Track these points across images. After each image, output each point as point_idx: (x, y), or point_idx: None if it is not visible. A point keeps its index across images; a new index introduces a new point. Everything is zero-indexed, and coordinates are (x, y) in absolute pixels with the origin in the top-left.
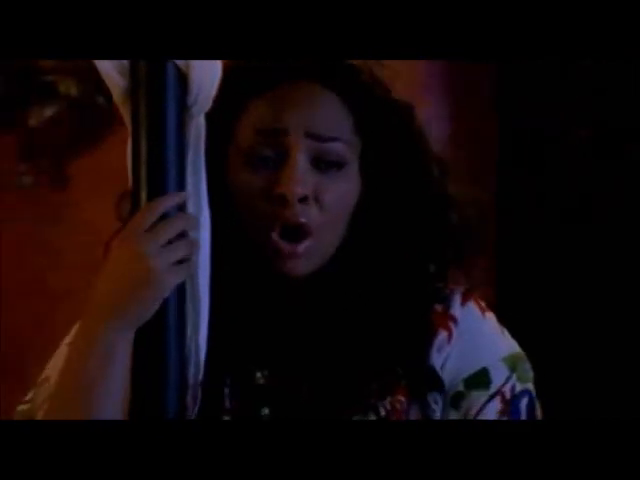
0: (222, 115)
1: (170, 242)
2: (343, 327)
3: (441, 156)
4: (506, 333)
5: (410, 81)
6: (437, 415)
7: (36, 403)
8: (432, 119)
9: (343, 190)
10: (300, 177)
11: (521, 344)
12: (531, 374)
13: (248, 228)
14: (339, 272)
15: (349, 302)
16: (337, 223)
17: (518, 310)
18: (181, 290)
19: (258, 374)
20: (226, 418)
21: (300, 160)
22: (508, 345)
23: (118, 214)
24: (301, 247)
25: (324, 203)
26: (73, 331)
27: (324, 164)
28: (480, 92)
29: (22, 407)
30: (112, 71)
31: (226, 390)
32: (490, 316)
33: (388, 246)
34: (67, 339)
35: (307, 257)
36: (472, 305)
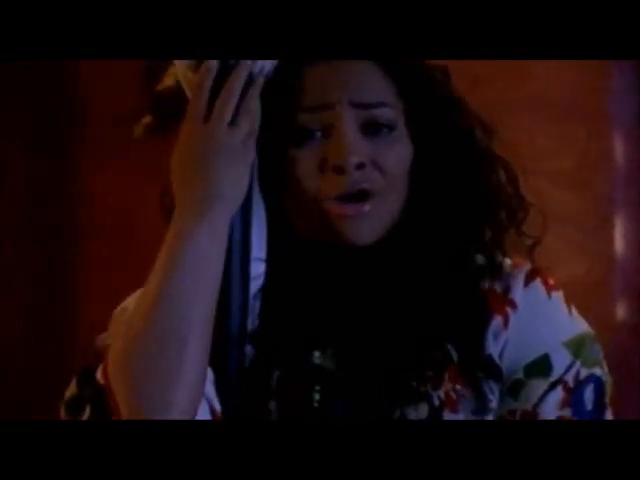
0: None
1: (235, 115)
2: (398, 307)
3: (484, 119)
4: (574, 312)
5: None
6: (493, 405)
7: (116, 327)
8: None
9: (398, 151)
10: (352, 145)
11: None
12: (600, 355)
13: (304, 202)
14: (399, 243)
15: (407, 277)
16: (399, 186)
17: None
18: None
19: (316, 353)
20: (273, 402)
21: (349, 129)
22: (573, 326)
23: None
24: (367, 207)
25: (383, 166)
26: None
27: (374, 128)
28: None
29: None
30: (187, 71)
31: (276, 373)
32: (557, 295)
33: (442, 214)
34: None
35: (372, 221)
36: (537, 285)
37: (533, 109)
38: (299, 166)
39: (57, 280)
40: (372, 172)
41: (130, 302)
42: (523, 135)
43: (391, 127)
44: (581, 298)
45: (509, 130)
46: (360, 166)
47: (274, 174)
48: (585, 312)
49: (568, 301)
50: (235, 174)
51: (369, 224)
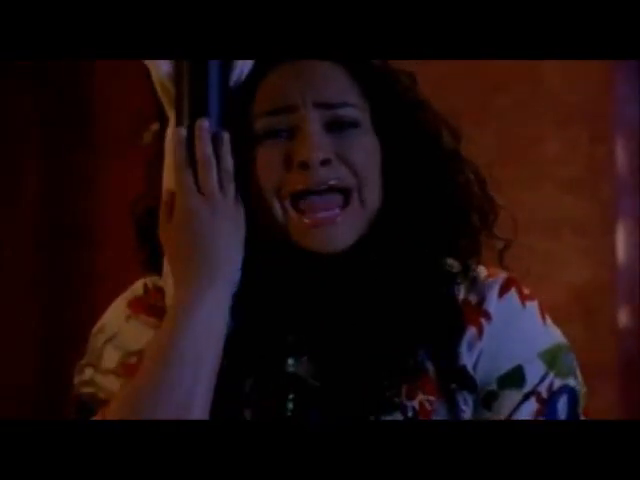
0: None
1: (220, 180)
2: (371, 315)
3: (452, 123)
4: (549, 322)
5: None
6: (467, 416)
7: (94, 352)
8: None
9: (363, 144)
10: (317, 142)
11: None
12: (574, 364)
13: (267, 200)
14: (371, 248)
15: (379, 282)
16: (370, 180)
17: None
18: None
19: (290, 361)
20: (247, 410)
21: (313, 128)
22: (548, 337)
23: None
24: (339, 217)
25: (350, 160)
26: (131, 288)
27: (338, 126)
28: None
29: (80, 377)
30: (165, 79)
31: (249, 380)
32: (531, 305)
33: (412, 215)
34: (125, 294)
35: (343, 228)
36: (511, 296)
37: (543, 114)
38: (263, 165)
39: (66, 280)
40: (339, 167)
41: (107, 318)
42: (534, 141)
43: (355, 124)
44: (586, 303)
45: (520, 135)
46: (325, 162)
47: (242, 177)
48: (590, 317)
49: (543, 311)
50: (234, 240)
51: (340, 231)
